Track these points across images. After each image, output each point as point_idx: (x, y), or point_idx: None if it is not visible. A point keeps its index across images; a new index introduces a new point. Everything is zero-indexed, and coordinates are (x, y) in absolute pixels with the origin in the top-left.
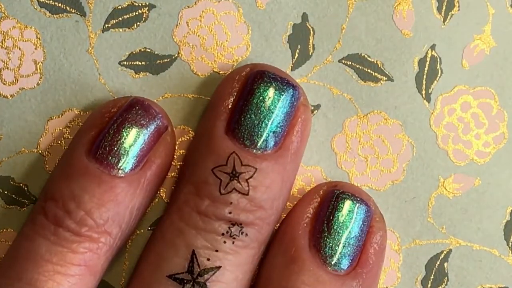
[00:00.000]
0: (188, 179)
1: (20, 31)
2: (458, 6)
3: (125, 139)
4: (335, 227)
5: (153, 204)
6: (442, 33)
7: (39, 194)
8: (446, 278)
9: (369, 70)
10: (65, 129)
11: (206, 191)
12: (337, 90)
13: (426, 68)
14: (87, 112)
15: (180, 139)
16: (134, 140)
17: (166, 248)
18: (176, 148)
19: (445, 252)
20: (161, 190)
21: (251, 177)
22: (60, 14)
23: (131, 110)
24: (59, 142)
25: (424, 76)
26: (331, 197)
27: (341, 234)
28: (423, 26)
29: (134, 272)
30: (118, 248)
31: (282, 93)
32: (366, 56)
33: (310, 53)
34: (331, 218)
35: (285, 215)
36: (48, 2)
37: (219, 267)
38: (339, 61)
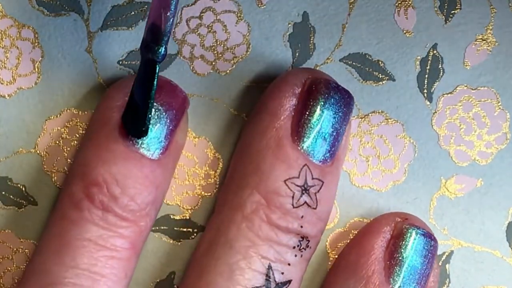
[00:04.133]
0: (255, 187)
1: (18, 30)
2: (460, 5)
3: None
4: (409, 264)
5: None
6: (444, 33)
7: (69, 175)
8: (447, 279)
9: (370, 70)
10: (63, 129)
11: (277, 202)
12: None
13: (427, 68)
14: (86, 112)
15: None
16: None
17: (238, 258)
18: None
19: (446, 254)
20: None
21: (318, 191)
22: (58, 13)
23: (160, 91)
24: (57, 142)
25: (426, 76)
26: (405, 233)
27: (415, 271)
28: (425, 26)
29: (202, 280)
30: (152, 227)
31: (346, 104)
32: (367, 55)
33: (310, 53)
34: (406, 254)
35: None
36: (46, 0)
37: (290, 280)
38: (340, 60)
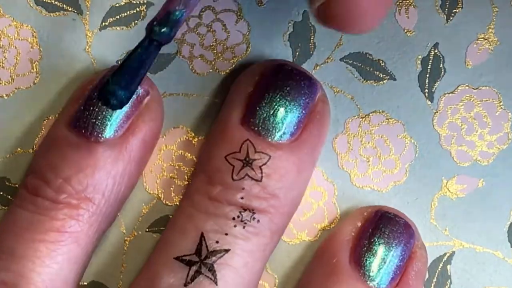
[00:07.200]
0: (201, 168)
1: (16, 30)
2: (461, 4)
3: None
4: (376, 244)
5: (152, 205)
6: (445, 32)
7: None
8: (449, 280)
9: (371, 69)
10: None
11: (218, 178)
12: (339, 89)
13: (429, 67)
14: None
15: (179, 139)
16: None
17: (175, 233)
18: (175, 148)
19: (448, 255)
20: (159, 191)
21: (264, 164)
22: (56, 12)
23: None
24: None
25: (427, 75)
26: (375, 217)
27: (382, 252)
28: (426, 25)
29: (145, 264)
30: (107, 217)
31: (299, 86)
32: (368, 54)
33: (311, 52)
34: (373, 235)
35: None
36: (44, 0)
37: (228, 250)
38: (341, 59)
